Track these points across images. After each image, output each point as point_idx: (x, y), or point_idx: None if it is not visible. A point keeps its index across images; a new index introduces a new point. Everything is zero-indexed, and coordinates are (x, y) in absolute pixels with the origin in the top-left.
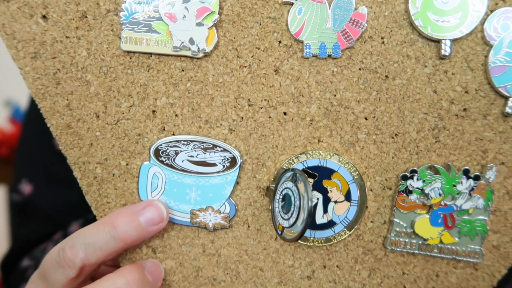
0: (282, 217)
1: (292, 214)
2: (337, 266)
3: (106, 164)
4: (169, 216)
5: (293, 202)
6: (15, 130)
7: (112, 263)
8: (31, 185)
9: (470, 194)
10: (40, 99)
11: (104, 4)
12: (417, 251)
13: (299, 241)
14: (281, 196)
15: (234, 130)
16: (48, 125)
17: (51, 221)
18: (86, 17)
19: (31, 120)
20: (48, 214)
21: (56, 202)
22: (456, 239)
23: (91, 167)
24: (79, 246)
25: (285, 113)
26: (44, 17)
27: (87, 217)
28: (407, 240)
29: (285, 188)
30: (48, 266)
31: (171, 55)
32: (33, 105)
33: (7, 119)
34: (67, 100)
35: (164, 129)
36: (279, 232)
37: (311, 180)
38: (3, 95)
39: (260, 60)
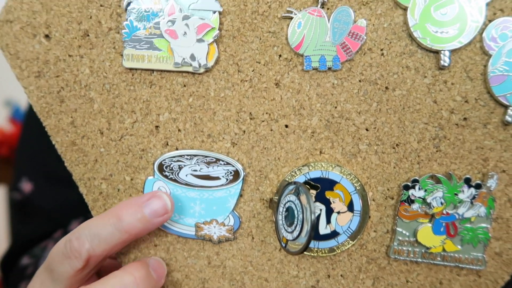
0: (285, 230)
1: (295, 227)
2: (341, 275)
3: (111, 179)
4: (174, 208)
5: (296, 215)
6: (15, 130)
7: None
8: (31, 184)
9: (471, 203)
10: (45, 117)
11: (106, 23)
12: (420, 260)
13: None
14: (284, 209)
15: (236, 144)
16: (53, 142)
17: (51, 219)
18: (88, 35)
19: (32, 118)
20: (48, 213)
21: (56, 201)
22: (459, 247)
23: (96, 183)
24: (85, 237)
25: (286, 126)
26: (47, 36)
27: (87, 216)
28: (410, 249)
29: (288, 201)
30: (54, 258)
31: (173, 71)
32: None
33: (7, 119)
34: (71, 117)
35: (167, 144)
36: (283, 245)
37: (313, 192)
38: (3, 95)
39: (260, 74)
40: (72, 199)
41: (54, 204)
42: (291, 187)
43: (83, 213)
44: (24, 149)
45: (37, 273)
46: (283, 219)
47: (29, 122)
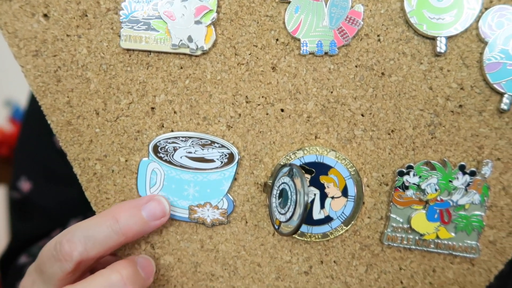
0: (279, 212)
1: (288, 208)
2: (334, 261)
3: (105, 160)
4: (170, 211)
5: (289, 197)
6: (15, 130)
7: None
8: (30, 183)
9: (466, 190)
10: (41, 96)
11: (104, 3)
12: (413, 247)
13: (296, 236)
14: (278, 192)
15: (232, 127)
16: (49, 121)
17: (50, 218)
18: (86, 15)
19: (31, 117)
20: (47, 212)
21: (55, 200)
22: (453, 234)
23: (90, 164)
24: (78, 240)
25: (282, 110)
26: (45, 15)
27: (87, 215)
28: (403, 236)
29: (282, 183)
30: (45, 259)
31: (170, 53)
32: (33, 102)
33: (7, 119)
34: (68, 97)
35: (162, 126)
36: (276, 227)
37: (308, 176)
38: (3, 95)
39: (257, 58)
40: (71, 198)
41: (53, 203)
42: (285, 169)
43: (83, 212)
44: (23, 148)
45: (28, 271)
46: (277, 201)
47: (28, 121)
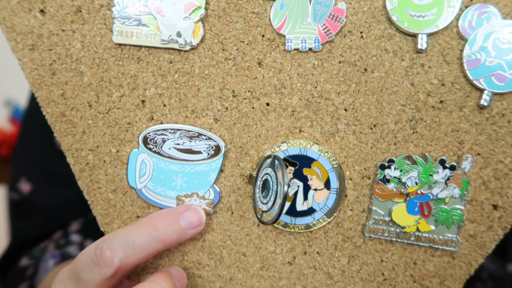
0: (261, 202)
1: (270, 198)
2: (317, 252)
3: (97, 151)
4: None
5: (271, 187)
6: (15, 130)
7: None
8: (30, 184)
9: (446, 183)
10: (37, 89)
11: None
12: (395, 239)
13: (280, 227)
14: (261, 182)
15: (219, 120)
16: (44, 113)
17: (50, 220)
18: (80, 11)
19: (30, 118)
20: (47, 213)
21: (55, 201)
22: (433, 227)
23: (83, 154)
24: (118, 246)
25: (268, 104)
26: (42, 11)
27: (87, 217)
28: (385, 228)
29: (265, 174)
30: (82, 264)
31: (160, 48)
32: (32, 103)
33: (7, 119)
34: (62, 89)
35: (152, 118)
36: (259, 216)
37: (292, 169)
38: (3, 95)
39: (244, 53)
40: (72, 199)
41: (53, 204)
42: (268, 160)
43: (83, 213)
44: (22, 149)
45: (60, 278)
46: (260, 192)
47: (28, 123)
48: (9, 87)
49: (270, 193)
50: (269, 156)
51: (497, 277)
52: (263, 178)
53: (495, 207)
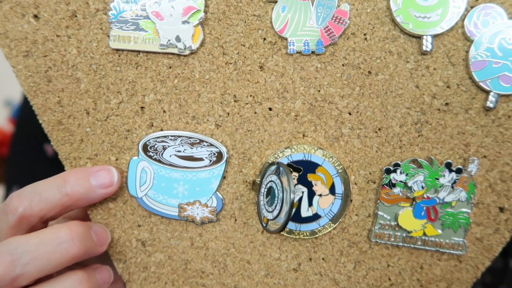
0: (266, 210)
1: (275, 206)
2: (322, 258)
3: (96, 159)
4: (120, 183)
5: (276, 195)
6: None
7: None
8: None
9: (452, 187)
10: (32, 96)
11: (94, 4)
12: (401, 244)
13: (285, 234)
14: (265, 190)
15: (220, 126)
16: (40, 121)
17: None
18: (76, 16)
19: (22, 126)
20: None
21: None
22: (439, 231)
23: (82, 163)
24: (26, 194)
25: (270, 109)
26: (35, 16)
27: None
28: (391, 233)
29: (270, 181)
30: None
31: (159, 53)
32: (24, 110)
33: (7, 119)
34: (58, 97)
35: (152, 125)
36: (264, 225)
37: (296, 174)
38: (3, 95)
39: (245, 57)
40: None
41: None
42: (273, 167)
43: None
44: (13, 157)
45: None
46: (265, 199)
47: (19, 130)
48: (9, 87)
49: (276, 201)
50: (272, 163)
51: (496, 270)
52: (268, 186)
53: (501, 209)
